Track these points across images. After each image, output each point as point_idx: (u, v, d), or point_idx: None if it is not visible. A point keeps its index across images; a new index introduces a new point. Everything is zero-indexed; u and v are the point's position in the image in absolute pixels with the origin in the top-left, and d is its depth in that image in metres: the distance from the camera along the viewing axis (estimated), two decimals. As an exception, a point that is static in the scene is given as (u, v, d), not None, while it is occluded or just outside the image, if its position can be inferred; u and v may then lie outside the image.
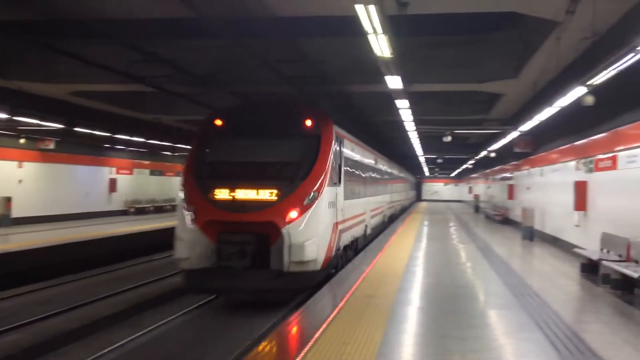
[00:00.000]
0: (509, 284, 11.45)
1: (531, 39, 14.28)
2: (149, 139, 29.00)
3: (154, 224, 25.98)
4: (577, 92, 10.92)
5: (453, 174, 72.47)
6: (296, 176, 11.76)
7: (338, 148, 13.44)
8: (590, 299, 10.35)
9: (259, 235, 11.35)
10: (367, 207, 19.36)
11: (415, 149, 33.48)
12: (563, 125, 16.85)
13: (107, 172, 33.00)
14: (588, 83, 9.84)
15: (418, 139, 26.08)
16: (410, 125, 19.20)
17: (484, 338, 7.35)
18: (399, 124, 21.91)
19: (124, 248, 21.20)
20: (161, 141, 30.67)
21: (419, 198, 77.99)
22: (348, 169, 15.36)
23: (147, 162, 37.47)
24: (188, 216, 11.52)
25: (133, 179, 35.85)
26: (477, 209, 45.58)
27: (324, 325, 7.76)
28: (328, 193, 12.12)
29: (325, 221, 11.97)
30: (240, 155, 12.35)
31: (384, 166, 26.90)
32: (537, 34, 13.47)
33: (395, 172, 33.98)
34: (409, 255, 15.62)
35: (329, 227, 12.23)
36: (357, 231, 16.87)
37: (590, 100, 11.08)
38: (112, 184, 33.28)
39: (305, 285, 11.49)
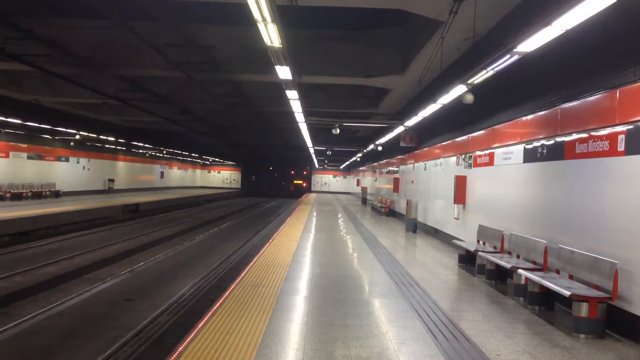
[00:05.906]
0: (392, 273, 11.80)
1: (417, 37, 14.76)
2: (26, 121, 27.31)
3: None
4: (458, 90, 11.33)
5: (342, 167, 73.90)
6: (305, 179, 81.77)
7: (309, 174, 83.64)
8: (466, 289, 10.81)
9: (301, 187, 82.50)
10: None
11: (306, 141, 33.70)
12: (446, 122, 17.42)
13: (-22, 155, 30.93)
14: (468, 82, 10.22)
15: (308, 130, 26.29)
16: (300, 117, 19.29)
17: (366, 326, 7.52)
18: (289, 115, 21.99)
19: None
20: (40, 124, 29.00)
21: (308, 189, 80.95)
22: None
23: (24, 146, 35.35)
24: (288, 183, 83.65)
25: (9, 163, 33.73)
26: (364, 201, 46.63)
27: (209, 315, 7.65)
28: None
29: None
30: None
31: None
32: (422, 32, 13.94)
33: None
34: (297, 246, 15.73)
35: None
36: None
37: (470, 98, 11.51)
38: (-15, 168, 31.26)
39: (302, 195, 69.51)
